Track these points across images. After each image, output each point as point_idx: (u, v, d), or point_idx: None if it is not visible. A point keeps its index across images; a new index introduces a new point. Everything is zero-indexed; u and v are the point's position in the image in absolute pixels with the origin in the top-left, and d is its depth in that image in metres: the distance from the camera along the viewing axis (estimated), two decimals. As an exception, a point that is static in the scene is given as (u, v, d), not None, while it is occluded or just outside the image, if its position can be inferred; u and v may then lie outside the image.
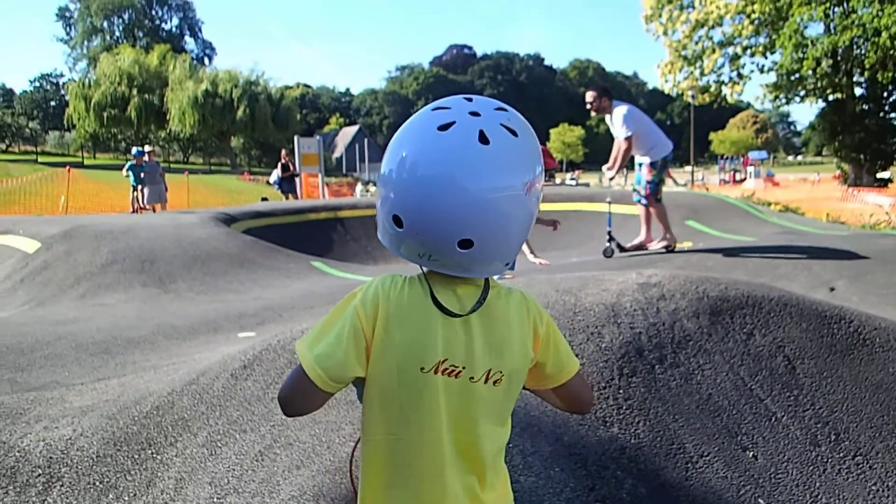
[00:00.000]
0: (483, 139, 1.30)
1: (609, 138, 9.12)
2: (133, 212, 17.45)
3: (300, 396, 1.42)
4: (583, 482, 2.82)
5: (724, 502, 2.97)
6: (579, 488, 2.78)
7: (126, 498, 3.35)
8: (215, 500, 3.14)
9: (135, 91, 60.37)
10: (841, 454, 3.50)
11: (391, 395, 1.41)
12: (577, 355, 3.58)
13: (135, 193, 17.82)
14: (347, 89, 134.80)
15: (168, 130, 63.97)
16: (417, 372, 1.39)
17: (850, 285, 7.08)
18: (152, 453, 3.57)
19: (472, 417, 1.45)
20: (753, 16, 33.98)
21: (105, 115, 60.09)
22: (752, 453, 3.33)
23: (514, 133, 1.34)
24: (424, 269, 1.45)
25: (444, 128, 1.32)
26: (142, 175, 17.30)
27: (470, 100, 1.38)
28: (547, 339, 1.53)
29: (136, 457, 3.57)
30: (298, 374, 1.40)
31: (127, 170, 17.57)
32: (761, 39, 35.74)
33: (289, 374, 1.45)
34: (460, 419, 1.44)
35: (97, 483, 3.48)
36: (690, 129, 50.18)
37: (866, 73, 29.82)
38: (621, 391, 3.41)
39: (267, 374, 3.97)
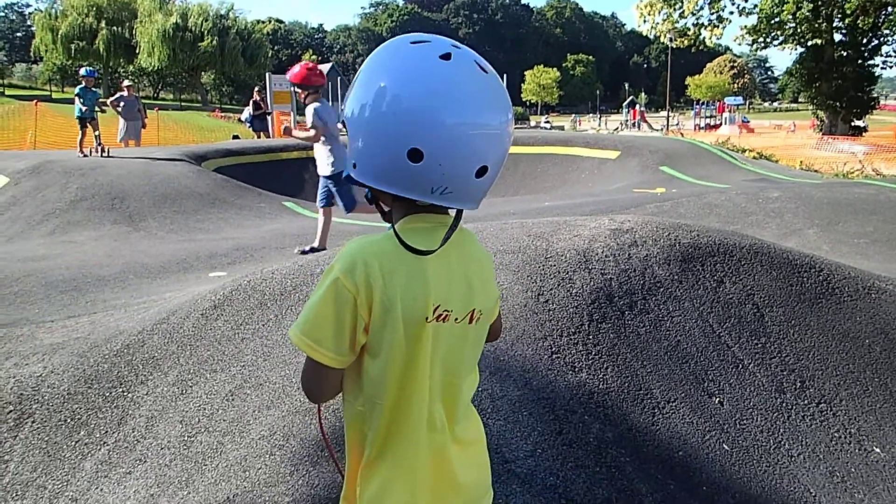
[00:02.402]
0: (482, 68, 1.32)
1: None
2: (81, 153, 13.56)
3: (327, 384, 1.42)
4: (550, 426, 2.84)
5: (689, 447, 3.02)
6: (547, 432, 2.80)
7: (97, 435, 3.34)
8: (186, 438, 3.14)
9: (103, 23, 58.63)
10: (805, 401, 3.57)
11: (397, 355, 1.38)
12: (547, 301, 3.60)
13: (85, 130, 13.70)
14: (320, 25, 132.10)
15: (137, 64, 62.39)
16: (422, 323, 1.37)
17: (821, 234, 7.15)
18: (123, 391, 3.55)
19: (458, 360, 1.46)
20: (735, -43, 33.53)
21: (73, 47, 58.38)
22: (718, 399, 3.38)
23: (485, 69, 1.35)
24: (395, 218, 1.42)
25: (444, 58, 1.30)
26: (118, 108, 15.55)
27: (435, 36, 1.38)
28: (493, 276, 1.56)
29: (107, 395, 3.55)
30: (315, 367, 1.38)
31: (76, 95, 13.74)
32: (743, -20, 35.35)
33: (302, 370, 1.44)
34: (448, 362, 1.44)
35: (68, 420, 3.46)
36: (667, 73, 49.92)
37: (847, 19, 29.68)
38: (591, 337, 3.42)
39: (237, 314, 3.94)
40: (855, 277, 4.52)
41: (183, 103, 67.99)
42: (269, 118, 22.23)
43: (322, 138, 6.91)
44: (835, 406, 3.62)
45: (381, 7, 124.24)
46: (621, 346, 3.43)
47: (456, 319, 1.42)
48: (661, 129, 38.80)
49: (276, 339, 3.65)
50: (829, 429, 3.49)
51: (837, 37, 33.61)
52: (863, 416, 3.63)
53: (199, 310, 4.12)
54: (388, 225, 1.44)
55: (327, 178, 6.95)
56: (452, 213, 1.43)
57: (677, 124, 48.78)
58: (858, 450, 3.43)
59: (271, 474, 2.70)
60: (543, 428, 2.81)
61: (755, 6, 34.21)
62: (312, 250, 6.79)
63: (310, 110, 6.90)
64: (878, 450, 3.48)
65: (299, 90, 7.00)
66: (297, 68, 6.86)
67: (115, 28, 59.05)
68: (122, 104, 15.56)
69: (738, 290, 4.13)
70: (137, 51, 59.20)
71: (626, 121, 40.67)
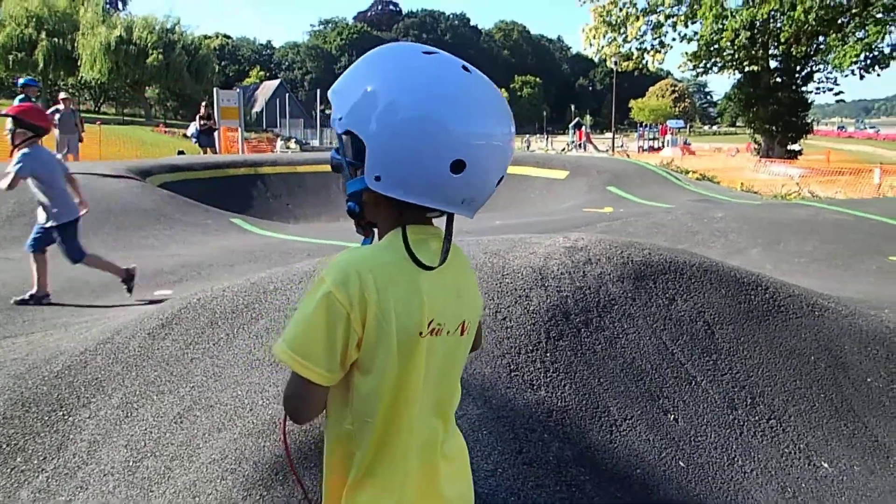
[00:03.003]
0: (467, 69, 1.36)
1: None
2: None
3: (315, 402, 1.36)
4: (510, 445, 2.82)
5: (646, 465, 3.03)
6: (507, 451, 2.78)
7: (35, 461, 3.20)
8: (131, 463, 3.02)
9: (43, 34, 57.15)
10: (756, 417, 3.62)
11: (390, 371, 1.34)
12: (504, 318, 3.59)
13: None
14: (269, 42, 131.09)
15: (78, 77, 60.99)
16: (416, 339, 1.34)
17: (764, 253, 7.33)
18: (63, 415, 3.42)
19: (450, 373, 1.45)
20: (677, -16, 34.49)
21: (11, 58, 56.76)
22: (672, 416, 3.40)
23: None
24: (388, 228, 1.40)
25: (465, 70, 1.32)
26: (54, 122, 14.40)
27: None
28: (477, 285, 1.56)
29: (47, 418, 3.41)
30: (303, 384, 1.32)
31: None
32: (683, 9, 36.32)
33: (286, 388, 1.38)
34: (439, 376, 1.42)
35: (4, 445, 3.31)
36: (612, 95, 50.88)
37: (781, 47, 30.72)
38: (548, 354, 3.42)
39: (186, 333, 3.83)
40: (799, 295, 4.63)
41: (126, 118, 66.59)
42: (216, 134, 21.91)
43: (40, 188, 6.10)
44: (784, 422, 3.69)
45: (330, 25, 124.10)
46: (578, 363, 3.44)
47: (448, 332, 1.39)
48: (607, 151, 39.49)
49: (227, 359, 3.56)
50: (780, 444, 3.54)
51: (773, 64, 34.80)
52: (811, 432, 3.70)
53: (145, 329, 4.00)
54: (363, 239, 1.41)
55: (50, 228, 6.18)
56: (438, 223, 1.42)
57: (622, 146, 49.70)
58: (808, 465, 3.49)
59: (222, 500, 2.62)
60: (504, 447, 2.79)
61: (695, 33, 35.21)
62: (32, 297, 6.08)
63: (17, 156, 6.04)
64: (826, 465, 3.54)
65: (14, 128, 6.12)
66: (16, 102, 6.32)
67: (55, 39, 57.55)
68: (57, 117, 14.99)
69: (689, 307, 4.18)
70: (79, 63, 57.86)
71: (573, 142, 41.26)
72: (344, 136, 1.34)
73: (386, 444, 1.38)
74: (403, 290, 1.32)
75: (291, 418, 1.40)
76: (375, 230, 1.44)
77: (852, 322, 4.53)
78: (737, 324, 4.19)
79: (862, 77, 30.39)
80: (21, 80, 13.62)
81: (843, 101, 39.65)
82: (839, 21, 28.79)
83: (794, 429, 3.65)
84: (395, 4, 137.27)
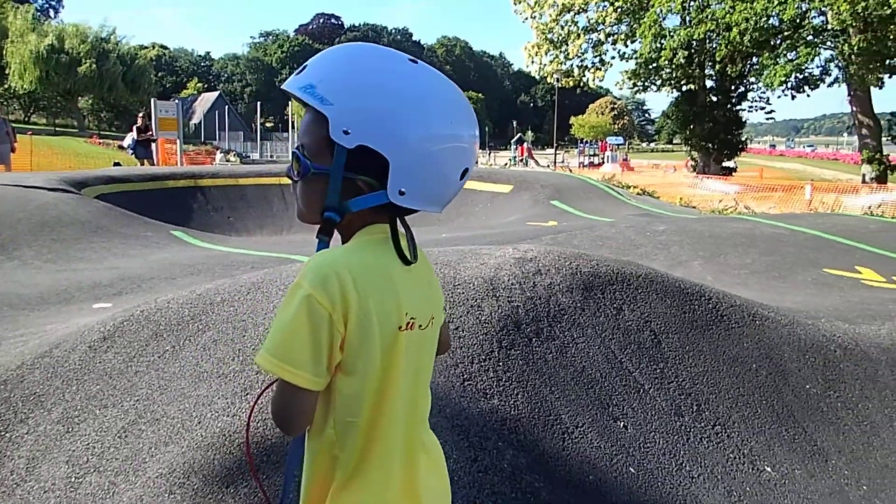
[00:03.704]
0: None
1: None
2: None
3: (305, 410, 1.32)
4: (465, 453, 2.82)
5: (598, 471, 3.06)
6: (462, 459, 2.78)
7: (-32, 480, 3.07)
8: (73, 480, 2.92)
9: (-31, 42, 55.38)
10: (702, 424, 3.69)
11: (374, 369, 1.33)
12: (457, 328, 3.59)
13: None
14: (208, 53, 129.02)
15: (7, 86, 59.13)
16: (396, 334, 1.34)
17: (705, 265, 7.50)
18: (0, 431, 3.28)
19: (425, 368, 1.46)
20: (617, 3, 35.31)
21: (-68, 66, 54.90)
22: (622, 423, 3.45)
23: None
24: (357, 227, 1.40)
25: (441, 76, 1.39)
26: None
27: None
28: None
29: (-18, 435, 3.27)
30: (292, 392, 1.28)
31: None
32: (623, 28, 37.23)
33: (270, 398, 1.35)
34: (416, 371, 1.42)
35: (-67, 465, 3.16)
36: (554, 112, 51.63)
37: (717, 67, 31.68)
38: (500, 363, 3.43)
39: (130, 345, 3.73)
40: (740, 305, 4.75)
41: (58, 128, 64.78)
42: (153, 145, 21.47)
43: None
44: (728, 428, 3.77)
45: (271, 37, 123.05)
46: (530, 372, 3.45)
47: (420, 326, 1.39)
48: (549, 166, 40.00)
49: (173, 372, 3.47)
50: (725, 450, 3.61)
51: (709, 83, 35.83)
52: (754, 437, 3.79)
53: (86, 342, 3.88)
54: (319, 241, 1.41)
55: None
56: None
57: (563, 161, 50.42)
58: (752, 469, 3.57)
59: (173, 513, 2.55)
60: (458, 455, 2.79)
61: (635, 52, 36.08)
62: None
63: None
64: (769, 469, 3.63)
65: None
66: None
67: (-20, 47, 55.87)
68: None
69: (636, 317, 4.25)
70: (7, 72, 56.12)
71: (515, 157, 41.71)
72: (344, 149, 1.31)
73: (371, 443, 1.36)
74: (381, 288, 1.32)
75: (284, 430, 1.35)
76: (336, 233, 1.43)
77: (791, 331, 4.67)
78: (682, 333, 4.27)
79: (793, 97, 31.54)
80: None
81: (774, 119, 41.05)
82: (772, 42, 29.83)
83: (739, 434, 3.73)
84: (337, 18, 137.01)
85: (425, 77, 1.35)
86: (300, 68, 1.40)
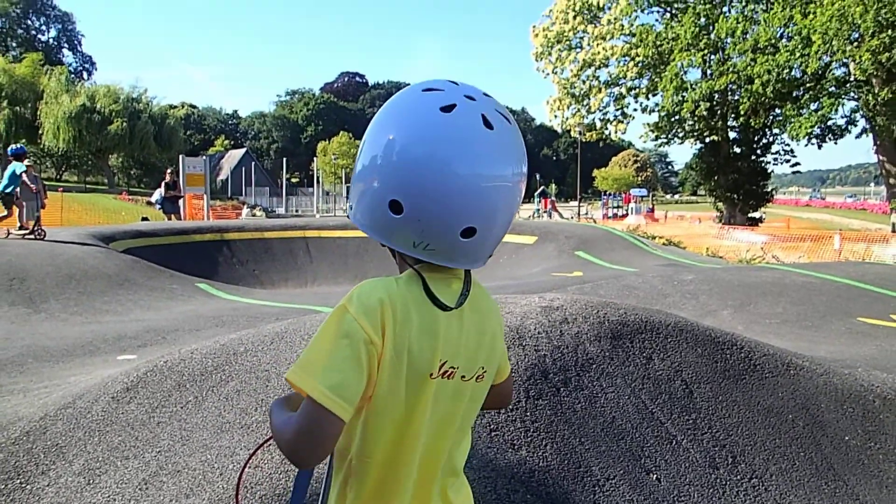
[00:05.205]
0: (487, 124, 1.25)
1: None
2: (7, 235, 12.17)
3: (323, 435, 1.18)
4: (493, 507, 2.72)
5: (632, 526, 2.94)
6: (489, 514, 2.68)
7: (-12, 533, 3.02)
8: (92, 534, 2.86)
9: (4, 102, 56.90)
10: (738, 477, 3.55)
11: (396, 409, 1.27)
12: (483, 377, 3.51)
13: (12, 208, 12.26)
14: (235, 111, 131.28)
15: (41, 145, 60.58)
16: (425, 379, 1.27)
17: (735, 314, 7.37)
18: (21, 483, 3.24)
19: (454, 420, 1.37)
20: (637, 59, 35.62)
21: (-30, 126, 56.42)
22: (655, 476, 3.33)
23: (507, 120, 1.29)
24: (411, 264, 1.33)
25: (446, 109, 1.24)
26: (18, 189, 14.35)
27: (457, 84, 1.30)
28: (502, 332, 1.49)
29: (3, 487, 3.23)
30: (313, 413, 1.17)
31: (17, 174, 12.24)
32: (644, 81, 37.48)
33: (285, 420, 1.25)
34: (443, 423, 1.34)
35: (-46, 518, 3.12)
36: (577, 165, 51.84)
37: (740, 118, 31.68)
38: (528, 414, 3.34)
39: (153, 396, 3.70)
40: (774, 354, 4.63)
41: (88, 185, 66.15)
42: (181, 201, 21.78)
43: None
44: (766, 481, 3.62)
45: (297, 95, 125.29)
46: (559, 422, 3.36)
47: (463, 377, 1.33)
48: (572, 218, 40.00)
49: (195, 423, 3.43)
50: (763, 505, 3.47)
51: (732, 134, 35.81)
52: (793, 491, 3.64)
53: (109, 393, 3.85)
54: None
55: None
56: None
57: (587, 213, 50.40)
58: (793, 526, 3.42)
59: (192, 568, 2.47)
60: (486, 508, 2.69)
61: (657, 104, 36.25)
62: None
63: None
64: (811, 525, 3.48)
65: None
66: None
67: (17, 108, 57.36)
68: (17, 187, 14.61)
69: (666, 366, 4.15)
70: (41, 132, 57.57)
71: (538, 209, 41.83)
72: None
73: (383, 486, 1.30)
74: (419, 327, 1.26)
75: (300, 460, 1.21)
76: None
77: (827, 381, 4.53)
78: (714, 383, 4.16)
79: (819, 147, 31.34)
80: (11, 149, 13.27)
81: (799, 171, 40.80)
82: (794, 94, 29.84)
83: (777, 488, 3.59)
84: (362, 76, 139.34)
85: (408, 103, 1.31)
86: None
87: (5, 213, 12.35)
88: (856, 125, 30.95)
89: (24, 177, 12.45)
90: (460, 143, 1.23)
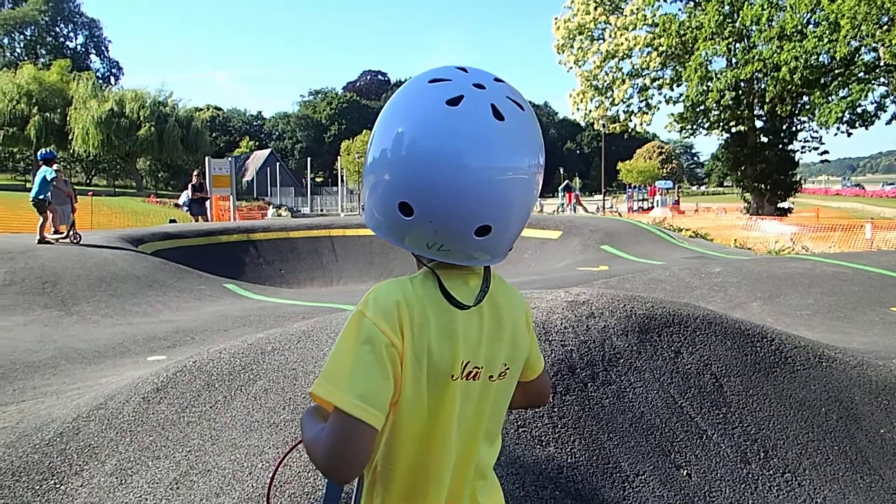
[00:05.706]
0: (497, 115, 1.18)
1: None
2: (42, 241, 12.01)
3: (358, 447, 1.14)
4: (521, 503, 2.71)
5: (662, 521, 2.91)
6: (518, 511, 2.67)
7: (24, 534, 3.06)
8: (124, 533, 2.89)
9: (35, 109, 57.81)
10: (770, 471, 3.50)
11: (418, 414, 1.23)
12: (509, 374, 3.50)
13: (46, 213, 12.33)
14: (259, 112, 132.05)
15: (70, 150, 61.48)
16: (447, 381, 1.23)
17: (764, 306, 7.27)
18: (55, 483, 3.28)
19: (481, 422, 1.33)
20: (661, 49, 35.28)
21: (3, 133, 57.37)
22: (685, 471, 3.29)
23: (520, 107, 1.23)
24: (426, 263, 1.29)
25: (452, 102, 1.17)
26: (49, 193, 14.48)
27: (466, 70, 1.24)
28: (531, 329, 1.44)
29: (37, 487, 3.28)
30: (344, 425, 1.14)
31: (48, 179, 12.40)
32: (668, 72, 37.14)
33: (316, 434, 1.21)
34: (472, 426, 1.31)
35: (-9, 518, 3.17)
36: (601, 158, 51.52)
37: (766, 107, 31.28)
38: (556, 409, 3.33)
39: (182, 396, 3.73)
40: (805, 347, 4.56)
41: (117, 189, 66.99)
42: (207, 203, 21.97)
43: None
44: (799, 475, 3.57)
45: (320, 95, 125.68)
46: (586, 418, 3.34)
47: (490, 377, 1.29)
48: (597, 210, 39.76)
49: (224, 422, 3.45)
50: (796, 499, 3.42)
51: (759, 123, 35.36)
52: (827, 485, 3.58)
53: (139, 394, 3.89)
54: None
55: None
56: None
57: (612, 207, 50.08)
58: (827, 520, 3.37)
59: (223, 567, 2.49)
60: (514, 505, 2.68)
61: (681, 95, 35.89)
62: None
63: None
64: (846, 519, 3.42)
65: None
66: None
67: (47, 114, 58.25)
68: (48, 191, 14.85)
69: (695, 360, 4.10)
70: (70, 137, 58.42)
71: (563, 204, 41.67)
72: None
73: (411, 493, 1.27)
74: (438, 328, 1.22)
75: (337, 476, 1.18)
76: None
77: (861, 373, 4.45)
78: (744, 376, 4.10)
79: (849, 134, 30.87)
80: (41, 153, 13.46)
81: (827, 160, 40.20)
82: (822, 81, 29.40)
83: (810, 482, 3.53)
84: (384, 74, 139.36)
85: (412, 96, 1.26)
86: None
87: (42, 219, 12.53)
88: (885, 111, 30.44)
89: (55, 182, 12.65)
90: (469, 137, 1.16)
